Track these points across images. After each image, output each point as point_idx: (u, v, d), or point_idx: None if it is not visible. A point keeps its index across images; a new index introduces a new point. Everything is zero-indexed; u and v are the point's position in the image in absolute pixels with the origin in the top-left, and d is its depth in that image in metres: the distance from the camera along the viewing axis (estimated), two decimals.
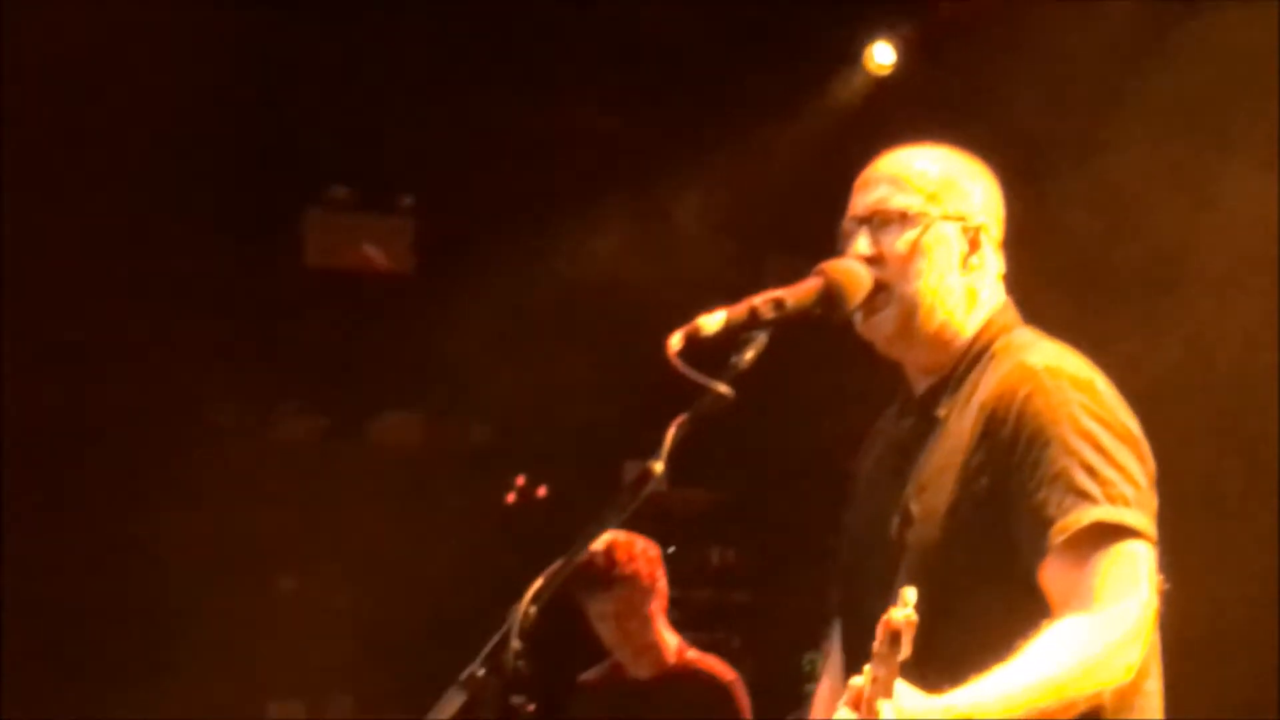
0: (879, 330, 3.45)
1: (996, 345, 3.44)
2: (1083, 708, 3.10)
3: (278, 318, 10.16)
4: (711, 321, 3.24)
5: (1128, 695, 3.23)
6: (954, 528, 3.30)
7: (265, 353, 10.23)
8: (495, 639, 3.00)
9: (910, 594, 2.91)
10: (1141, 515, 3.20)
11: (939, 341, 3.45)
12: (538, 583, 3.05)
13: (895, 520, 3.39)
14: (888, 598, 3.28)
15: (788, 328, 3.32)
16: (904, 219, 3.44)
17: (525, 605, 3.01)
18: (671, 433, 3.14)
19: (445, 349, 9.89)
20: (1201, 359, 7.91)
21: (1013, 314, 3.53)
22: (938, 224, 3.45)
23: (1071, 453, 3.21)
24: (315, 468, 10.46)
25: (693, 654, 6.44)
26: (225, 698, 9.91)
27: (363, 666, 10.07)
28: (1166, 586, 3.27)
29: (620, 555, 6.23)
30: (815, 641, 5.84)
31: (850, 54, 9.51)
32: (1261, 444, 7.92)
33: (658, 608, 6.35)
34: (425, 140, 9.96)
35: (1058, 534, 3.17)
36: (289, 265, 10.37)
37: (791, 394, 9.20)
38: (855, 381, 4.36)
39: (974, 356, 3.45)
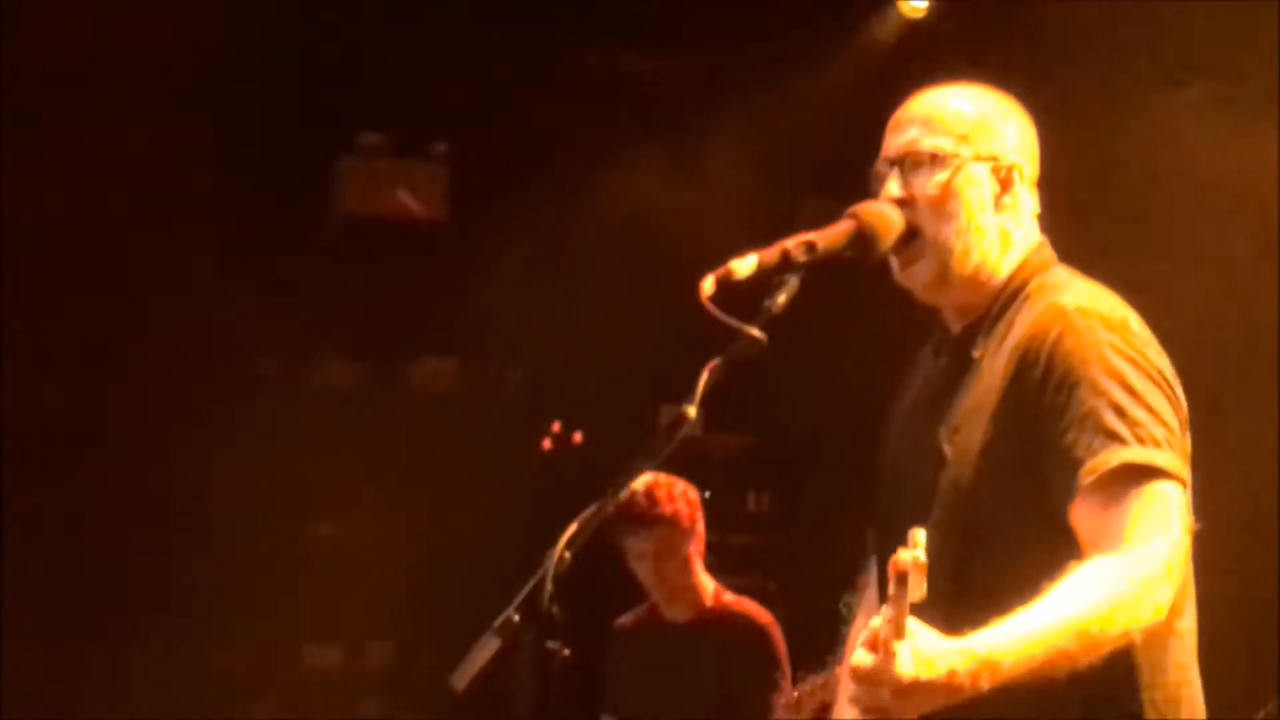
0: (916, 280, 3.44)
1: (1031, 285, 3.43)
2: (1109, 649, 3.08)
3: (313, 266, 10.17)
4: (744, 265, 3.24)
5: (1160, 635, 3.21)
6: (986, 469, 3.29)
7: (301, 301, 10.25)
8: (530, 584, 3.01)
9: (920, 535, 2.90)
10: (1172, 456, 3.18)
11: (975, 283, 3.44)
12: (572, 528, 3.05)
13: (929, 461, 3.39)
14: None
15: (821, 271, 3.31)
16: (934, 161, 3.43)
17: (560, 550, 3.02)
18: (704, 377, 3.14)
19: (481, 295, 9.89)
20: (1238, 301, 7.88)
21: (1048, 253, 3.51)
22: (969, 165, 3.43)
23: (1101, 393, 3.20)
24: (352, 414, 10.49)
25: (729, 597, 6.45)
26: (263, 643, 9.98)
27: (400, 612, 10.10)
28: (1198, 527, 3.26)
29: (661, 495, 6.24)
30: (853, 584, 5.84)
31: None
32: None
33: (696, 550, 6.36)
34: (459, 86, 9.94)
35: (1086, 475, 3.16)
36: (324, 213, 10.38)
37: (827, 336, 9.19)
38: (891, 323, 4.35)
39: (1009, 297, 3.43)
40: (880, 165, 3.48)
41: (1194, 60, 7.76)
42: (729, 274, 3.22)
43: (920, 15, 9.38)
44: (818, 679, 6.06)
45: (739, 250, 3.26)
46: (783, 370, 8.73)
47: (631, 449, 3.19)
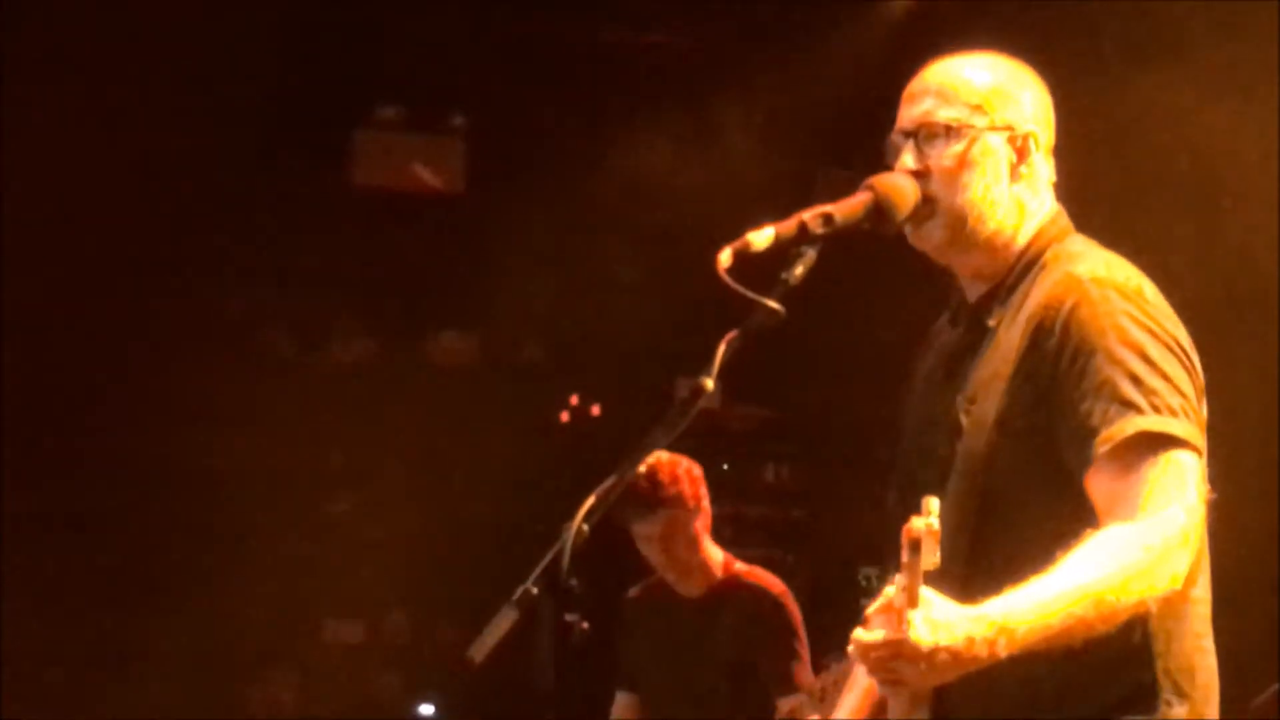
0: (928, 239, 3.43)
1: (1047, 255, 3.42)
2: (1126, 616, 3.08)
3: (330, 241, 10.18)
4: (761, 237, 3.23)
5: (1175, 604, 3.20)
6: (1002, 439, 3.28)
7: (319, 275, 10.27)
8: (549, 557, 3.01)
9: (933, 503, 2.91)
10: (1187, 425, 3.18)
11: (991, 248, 3.43)
12: (590, 500, 3.05)
13: (946, 431, 3.39)
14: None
15: (838, 243, 3.31)
16: (949, 132, 3.41)
17: (578, 523, 3.02)
18: (722, 349, 3.14)
19: (498, 269, 9.90)
20: (1251, 270, 7.86)
21: (1064, 222, 3.50)
22: (985, 135, 3.42)
23: (1117, 362, 3.19)
24: (370, 389, 10.51)
25: (740, 566, 6.40)
26: (283, 617, 10.00)
27: (419, 585, 10.13)
28: (1213, 496, 3.26)
29: (664, 477, 6.19)
30: (871, 556, 5.84)
31: None
32: None
33: (702, 526, 6.31)
34: (475, 59, 9.94)
35: (1102, 443, 3.15)
36: (341, 187, 10.38)
37: (846, 309, 9.20)
38: (910, 296, 4.35)
39: (1025, 266, 3.42)
40: (895, 137, 3.47)
41: (1192, 35, 7.74)
42: (746, 246, 3.21)
43: None
44: (842, 668, 6.01)
45: (756, 223, 3.25)
46: (801, 343, 8.76)
47: (649, 422, 3.19)
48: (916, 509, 3.09)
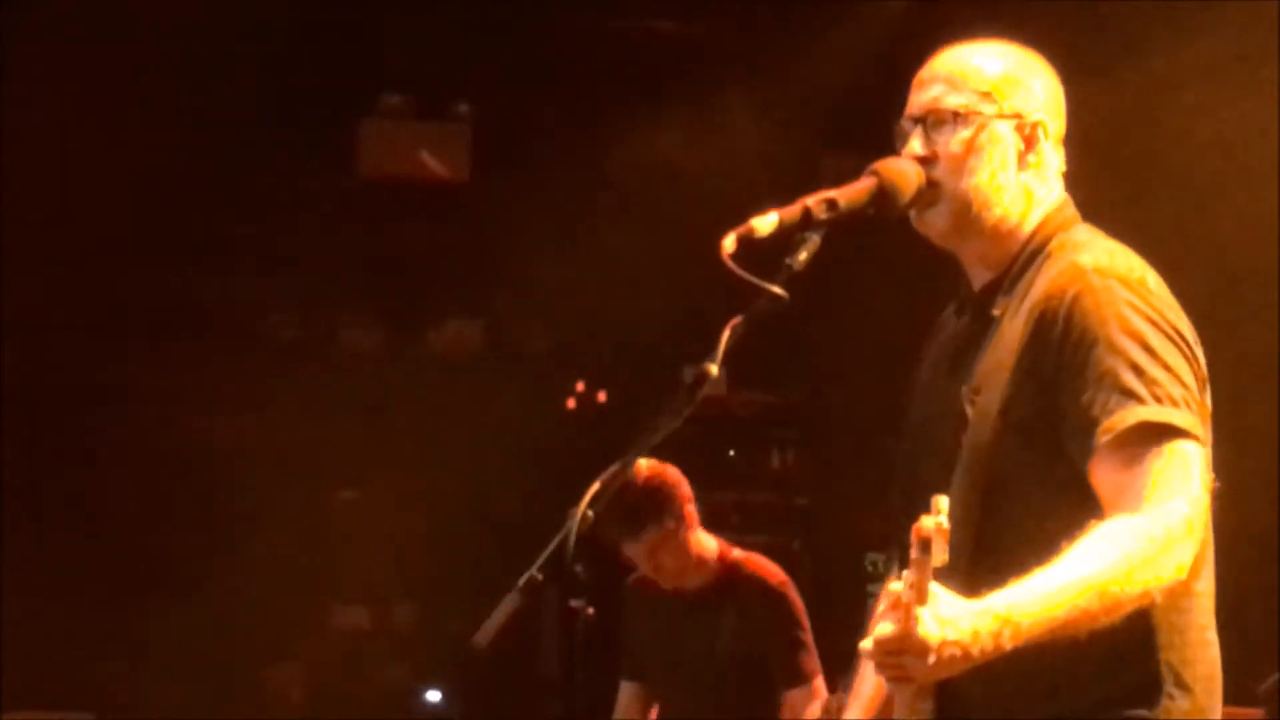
0: (933, 225, 3.43)
1: (1052, 244, 3.41)
2: (1130, 608, 3.07)
3: (335, 228, 10.18)
4: (765, 223, 3.23)
5: (1178, 596, 3.20)
6: (1005, 429, 3.28)
7: (325, 263, 10.28)
8: (554, 543, 3.02)
9: (943, 502, 2.91)
10: (1189, 415, 3.17)
11: (996, 235, 3.43)
12: (595, 487, 3.06)
13: (950, 421, 3.38)
14: None
15: (843, 228, 3.31)
16: (957, 118, 3.41)
17: (583, 509, 3.03)
18: (726, 335, 3.14)
19: (504, 256, 9.91)
20: (1252, 255, 7.86)
21: (1071, 212, 3.49)
22: (993, 123, 3.41)
23: (1118, 352, 3.18)
24: (376, 377, 10.52)
25: (738, 553, 6.31)
26: (291, 605, 10.02)
27: (425, 573, 10.14)
28: (1217, 485, 3.26)
29: (642, 502, 6.04)
30: (876, 543, 5.83)
31: None
32: None
33: (689, 531, 6.17)
34: (480, 48, 9.94)
35: (1104, 434, 3.15)
36: (347, 176, 10.38)
37: (852, 295, 9.19)
38: (916, 282, 4.35)
39: (1030, 255, 3.42)
40: (904, 122, 3.47)
41: (1191, 24, 7.73)
42: (750, 232, 3.21)
43: None
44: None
45: (760, 209, 3.26)
46: (807, 329, 8.77)
47: (655, 408, 3.19)
48: (921, 500, 3.10)
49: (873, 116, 3.74)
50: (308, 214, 10.00)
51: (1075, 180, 3.56)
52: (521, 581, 3.01)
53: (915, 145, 3.42)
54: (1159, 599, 3.12)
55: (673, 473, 6.16)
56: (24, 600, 9.27)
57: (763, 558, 6.37)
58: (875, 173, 3.37)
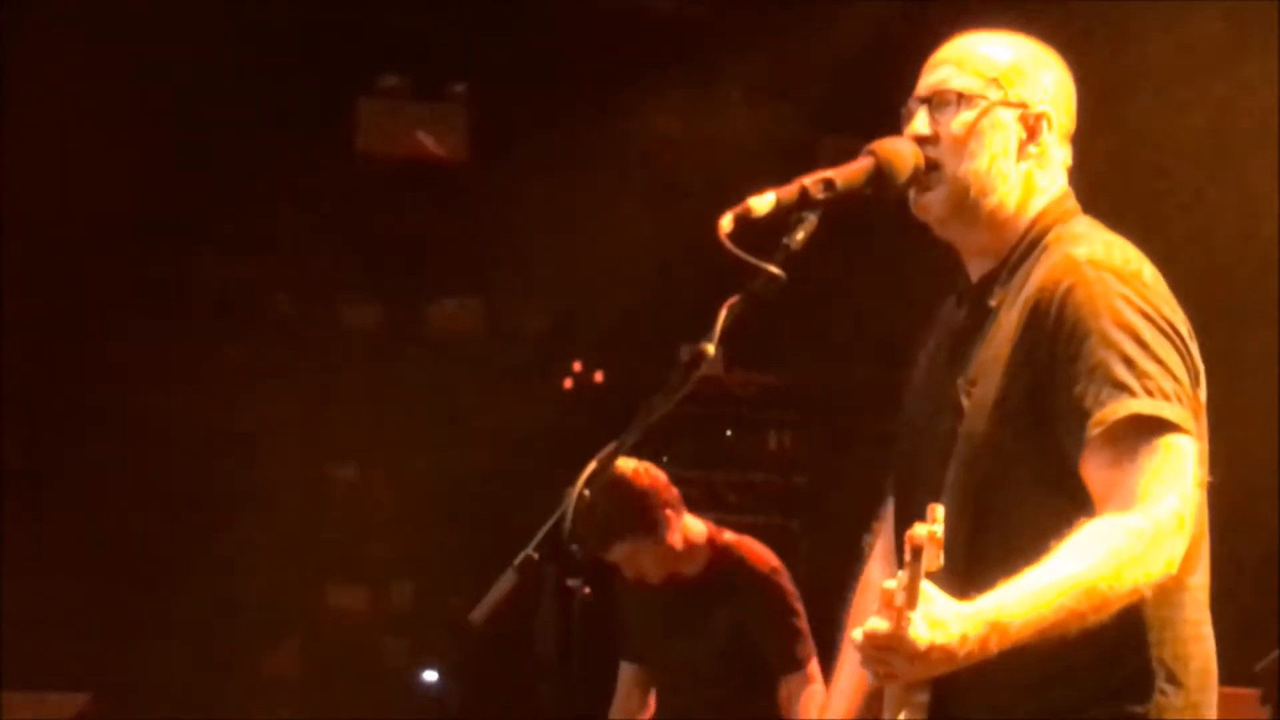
0: (930, 210, 3.43)
1: (1050, 236, 3.41)
2: (1119, 605, 3.08)
3: (333, 208, 10.18)
4: (762, 203, 3.24)
5: (1171, 591, 3.21)
6: (1000, 421, 3.28)
7: (322, 243, 10.28)
8: (550, 522, 3.02)
9: (938, 510, 2.92)
10: (1180, 410, 3.17)
11: (993, 224, 3.43)
12: (592, 466, 3.07)
13: (947, 412, 3.39)
14: (938, 489, 3.30)
15: (842, 208, 3.31)
16: (961, 100, 3.42)
17: (580, 489, 3.03)
18: (723, 314, 3.15)
19: (502, 235, 9.91)
20: (1251, 236, 7.86)
21: (1071, 204, 3.49)
22: (997, 109, 3.42)
23: (1111, 345, 3.18)
24: (374, 356, 10.52)
25: (729, 536, 6.26)
26: (287, 583, 10.03)
27: (423, 551, 10.15)
28: (1210, 480, 3.26)
29: (610, 516, 5.86)
30: (871, 525, 5.81)
31: None
32: None
33: (669, 530, 6.11)
34: (478, 27, 9.93)
35: (1095, 426, 3.15)
36: (344, 155, 10.38)
37: (850, 275, 9.20)
38: (915, 262, 4.35)
39: (1028, 246, 3.42)
40: (911, 103, 3.48)
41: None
42: (748, 212, 3.22)
43: None
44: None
45: (758, 188, 3.26)
46: (805, 309, 8.76)
47: (653, 387, 3.20)
48: (919, 490, 3.11)
49: (871, 99, 3.74)
50: (305, 194, 9.99)
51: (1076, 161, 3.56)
52: (518, 561, 3.02)
53: (919, 125, 3.43)
54: (1149, 594, 3.13)
55: (643, 481, 6.05)
56: (21, 580, 9.27)
57: (754, 541, 6.32)
58: (872, 152, 3.38)
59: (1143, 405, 3.15)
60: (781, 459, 10.62)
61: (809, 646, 6.11)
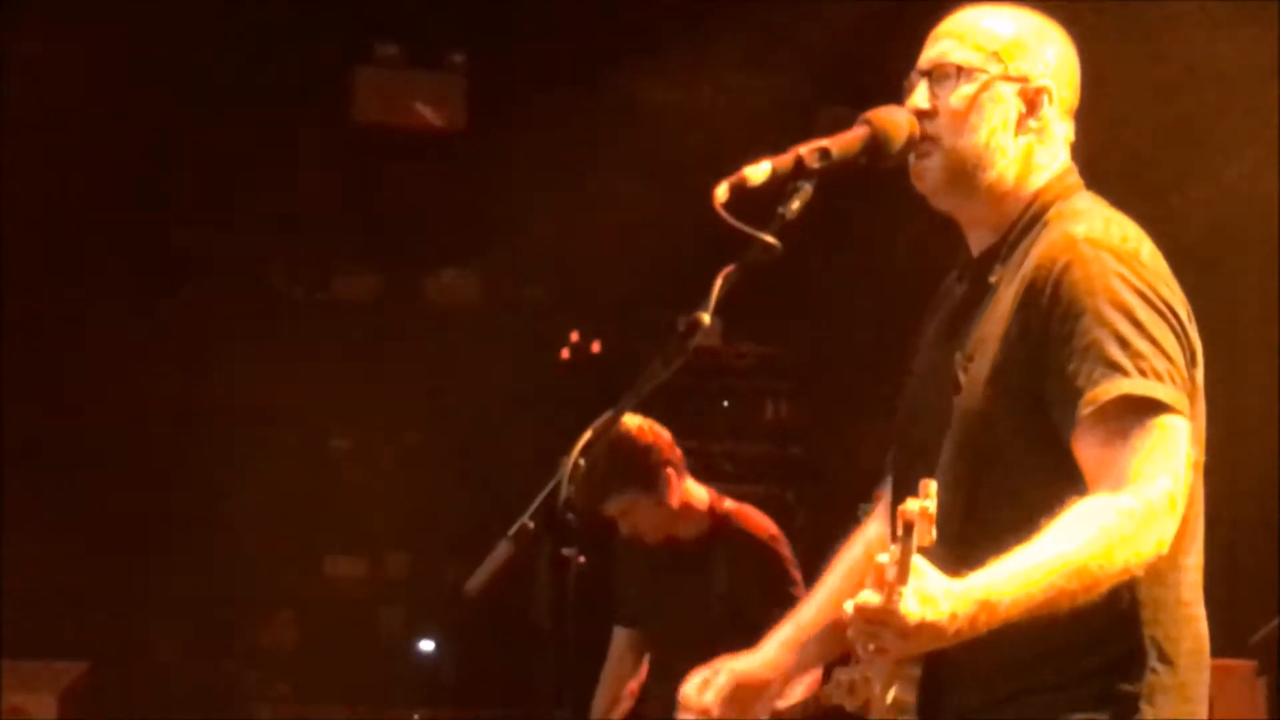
0: (925, 181, 3.43)
1: (1051, 212, 3.40)
2: (1109, 585, 3.08)
3: (330, 178, 10.18)
4: (758, 172, 3.23)
5: (1163, 571, 3.21)
6: (995, 396, 3.28)
7: (320, 213, 10.28)
8: (545, 492, 3.02)
9: (931, 486, 2.91)
10: (1172, 390, 3.16)
11: (992, 198, 3.42)
12: (587, 435, 3.07)
13: (945, 387, 3.39)
14: (934, 463, 3.31)
15: (840, 177, 3.31)
16: (961, 73, 3.41)
17: (574, 457, 3.03)
18: (719, 284, 3.14)
19: (499, 206, 9.90)
20: (1256, 210, 7.86)
21: (1073, 180, 3.48)
22: (997, 83, 3.41)
23: (1105, 324, 3.18)
24: (371, 326, 10.53)
25: (729, 504, 6.29)
26: (284, 554, 10.04)
27: (420, 522, 10.16)
28: (1200, 458, 3.26)
29: (608, 471, 5.88)
30: (869, 494, 5.81)
31: None
32: None
33: (670, 486, 6.13)
34: None
35: (1087, 405, 3.15)
36: (342, 125, 10.37)
37: (848, 245, 9.19)
38: (913, 233, 4.35)
39: (1028, 222, 3.41)
40: (913, 76, 3.47)
41: None
42: (743, 181, 3.21)
43: None
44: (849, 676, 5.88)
45: (755, 158, 3.25)
46: (801, 279, 8.76)
47: (649, 357, 3.20)
48: (917, 464, 3.10)
49: (870, 68, 3.73)
50: (302, 164, 9.99)
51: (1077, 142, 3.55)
52: (513, 530, 3.02)
53: (919, 97, 3.43)
54: (1140, 574, 3.13)
55: (646, 437, 6.09)
56: (20, 551, 9.29)
57: (754, 510, 6.35)
58: (868, 121, 3.37)
59: (1135, 385, 3.14)
60: (778, 429, 10.63)
61: None
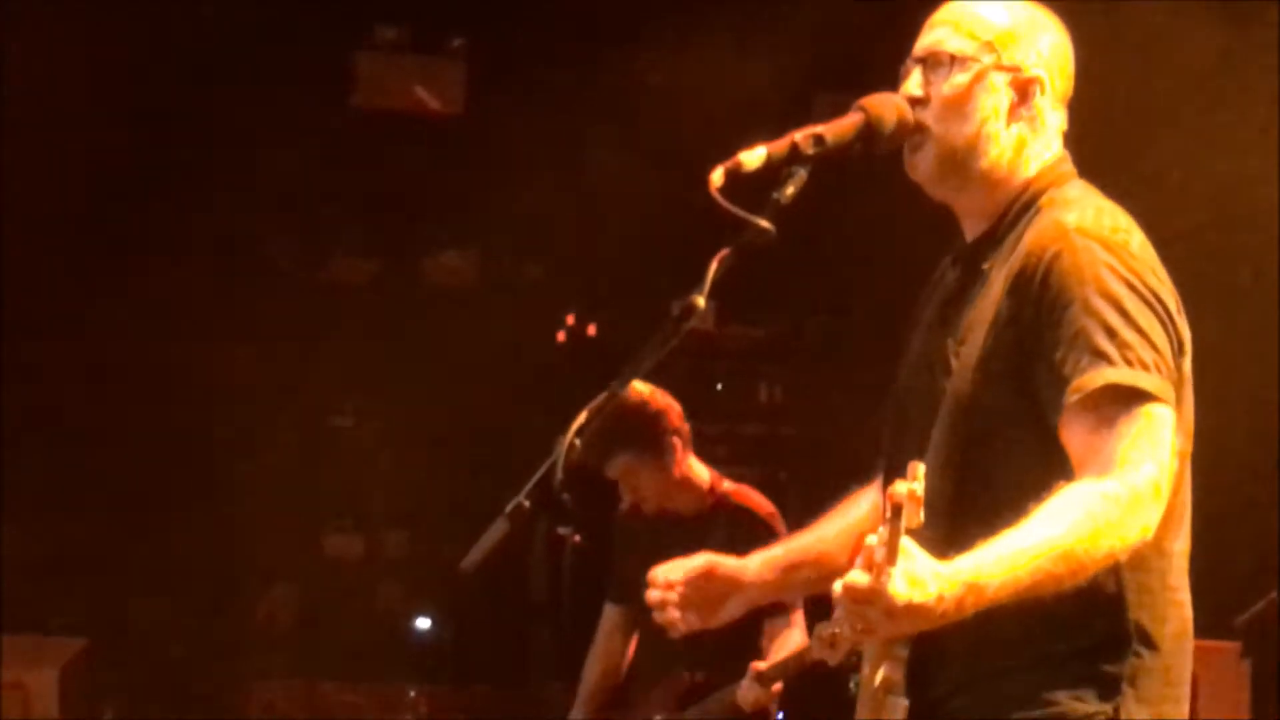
0: (918, 170, 3.45)
1: (1043, 200, 3.42)
2: (1094, 570, 3.10)
3: (330, 161, 10.19)
4: (752, 157, 3.25)
5: (1149, 556, 3.24)
6: (983, 382, 3.31)
7: (321, 196, 10.30)
8: (541, 471, 3.06)
9: (919, 468, 2.93)
10: (1158, 380, 3.18)
11: (985, 185, 3.45)
12: (582, 416, 3.10)
13: (937, 371, 3.41)
14: (924, 446, 3.33)
15: (833, 164, 3.34)
16: (954, 62, 3.43)
17: (570, 438, 3.07)
18: (714, 268, 3.17)
19: (498, 189, 9.92)
20: (1244, 195, 7.88)
21: (1066, 168, 3.50)
22: (990, 73, 3.43)
23: (1093, 313, 3.20)
24: (370, 308, 10.55)
25: (728, 485, 6.35)
26: (284, 530, 10.07)
27: (417, 500, 10.20)
28: (1184, 446, 3.28)
29: (614, 429, 5.90)
30: (861, 476, 5.84)
31: None
32: None
33: (675, 454, 6.18)
34: None
35: (1073, 393, 3.17)
36: (341, 109, 10.38)
37: (841, 229, 9.22)
38: (905, 217, 4.38)
39: (1021, 209, 3.43)
40: (908, 63, 3.49)
41: None
42: (738, 166, 3.24)
43: None
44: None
45: (753, 142, 3.29)
46: (795, 263, 8.79)
47: (644, 340, 3.23)
48: (909, 449, 3.13)
49: (867, 54, 3.76)
50: (303, 146, 10.00)
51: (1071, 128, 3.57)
52: (509, 509, 3.05)
53: (912, 85, 3.44)
54: (1125, 559, 3.16)
55: (657, 403, 6.18)
56: (18, 525, 9.32)
57: (752, 489, 6.40)
58: (862, 108, 3.39)
59: (1121, 375, 3.17)
60: (771, 411, 10.66)
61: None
